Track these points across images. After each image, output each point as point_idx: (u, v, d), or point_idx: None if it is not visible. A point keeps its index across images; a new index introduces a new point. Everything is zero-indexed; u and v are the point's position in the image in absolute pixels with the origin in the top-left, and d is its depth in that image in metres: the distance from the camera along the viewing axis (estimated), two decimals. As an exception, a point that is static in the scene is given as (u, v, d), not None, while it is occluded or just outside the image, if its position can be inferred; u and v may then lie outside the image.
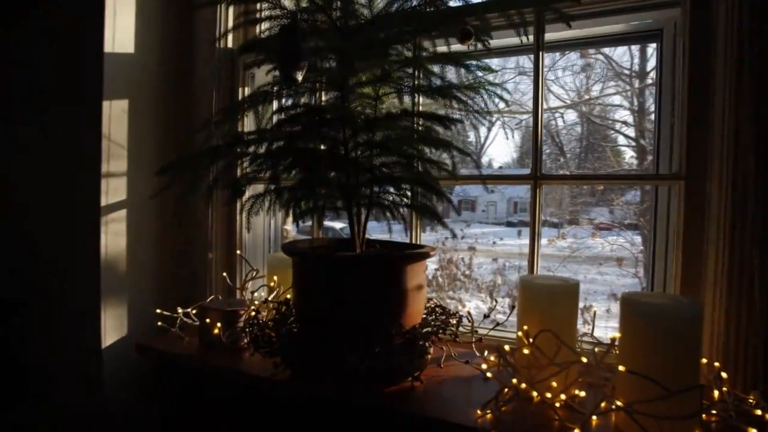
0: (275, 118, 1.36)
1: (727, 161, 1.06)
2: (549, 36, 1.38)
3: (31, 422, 1.62)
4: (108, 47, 1.50)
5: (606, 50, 3.93)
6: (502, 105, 1.20)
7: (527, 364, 1.03)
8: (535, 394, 1.01)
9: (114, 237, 1.54)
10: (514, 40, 1.44)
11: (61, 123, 1.56)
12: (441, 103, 1.25)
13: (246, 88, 1.75)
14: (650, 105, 4.20)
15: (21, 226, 1.65)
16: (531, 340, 1.03)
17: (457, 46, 1.23)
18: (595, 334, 1.21)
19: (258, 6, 1.60)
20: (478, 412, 0.98)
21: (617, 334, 1.01)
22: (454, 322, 1.27)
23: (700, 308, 0.93)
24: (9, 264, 1.66)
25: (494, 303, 1.31)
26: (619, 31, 1.40)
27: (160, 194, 1.26)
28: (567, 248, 4.08)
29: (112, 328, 1.54)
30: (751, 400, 0.98)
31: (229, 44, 1.73)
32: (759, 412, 0.92)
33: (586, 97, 4.25)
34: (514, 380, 1.03)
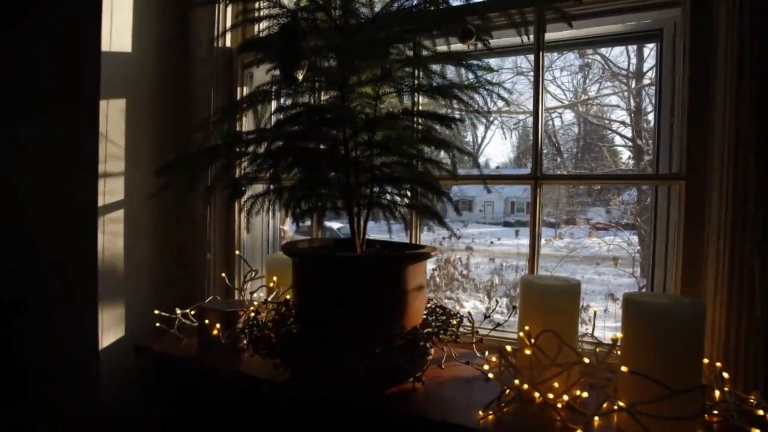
0: (274, 118, 1.35)
1: (728, 161, 1.06)
2: (549, 36, 1.38)
3: (31, 422, 1.61)
4: (105, 46, 1.48)
5: (603, 51, 3.94)
6: (502, 104, 1.19)
7: (529, 364, 1.03)
8: (537, 395, 1.01)
9: (111, 237, 1.53)
10: (513, 40, 1.44)
11: (61, 123, 1.55)
12: (441, 102, 1.24)
13: (244, 88, 1.74)
14: (647, 105, 4.22)
15: (21, 226, 1.64)
16: (533, 340, 1.03)
17: (456, 46, 1.23)
18: (595, 333, 1.21)
19: (256, 5, 1.59)
20: (480, 413, 0.97)
21: (619, 335, 1.01)
22: (455, 322, 1.26)
23: (702, 308, 0.93)
24: (9, 264, 1.65)
25: (495, 303, 1.31)
26: (618, 31, 1.40)
27: (159, 194, 1.25)
28: (564, 248, 4.10)
29: (110, 328, 1.53)
30: (752, 400, 0.98)
31: (227, 43, 1.72)
32: (761, 412, 0.92)
33: (584, 97, 4.26)
34: (516, 381, 1.02)
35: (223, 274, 1.66)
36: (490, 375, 1.12)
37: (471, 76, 1.18)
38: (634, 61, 4.06)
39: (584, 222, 4.44)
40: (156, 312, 1.49)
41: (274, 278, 1.46)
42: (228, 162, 1.31)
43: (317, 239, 1.57)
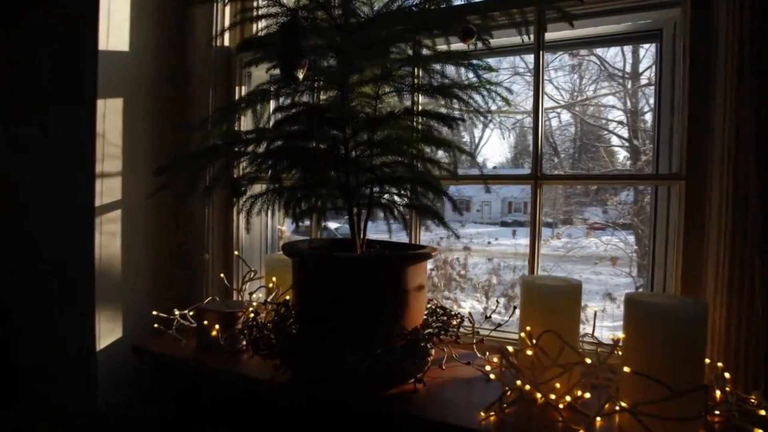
0: (274, 118, 1.34)
1: (728, 161, 1.06)
2: (548, 36, 1.38)
3: (31, 422, 1.59)
4: (102, 45, 1.47)
5: (599, 51, 3.95)
6: (502, 104, 1.19)
7: (530, 365, 1.02)
8: (539, 395, 1.01)
9: (109, 237, 1.52)
10: (511, 40, 1.44)
11: (61, 123, 1.54)
12: (440, 102, 1.24)
13: (243, 87, 1.73)
14: (643, 106, 4.22)
15: (21, 226, 1.63)
16: (534, 341, 1.03)
17: (456, 45, 1.22)
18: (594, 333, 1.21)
19: (255, 3, 1.58)
20: (482, 414, 0.97)
21: (621, 335, 1.01)
22: (455, 323, 1.26)
23: (705, 308, 0.93)
24: (9, 264, 1.64)
25: (496, 304, 1.31)
26: (618, 31, 1.40)
27: (157, 194, 1.24)
28: (562, 248, 4.10)
29: (108, 329, 1.52)
30: (752, 400, 0.98)
31: (226, 43, 1.71)
32: (763, 412, 0.92)
33: (581, 97, 4.27)
34: (519, 382, 1.02)
35: (222, 275, 1.65)
36: (492, 376, 1.12)
37: (471, 75, 1.17)
38: (630, 61, 4.07)
39: (581, 222, 4.44)
40: (154, 313, 1.47)
41: (274, 279, 1.45)
42: (227, 162, 1.30)
43: (316, 239, 1.56)
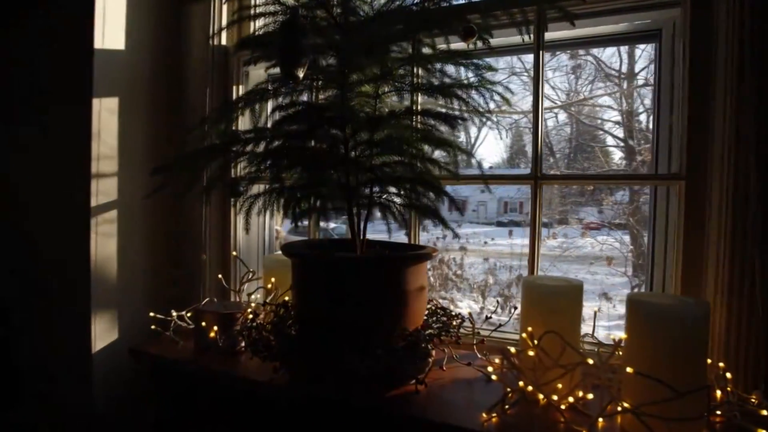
0: (272, 117, 1.33)
1: (728, 161, 1.06)
2: (547, 36, 1.38)
3: (31, 422, 1.58)
4: (98, 43, 1.45)
5: (595, 51, 3.97)
6: (502, 104, 1.19)
7: (532, 366, 1.02)
8: (541, 396, 1.00)
9: (105, 238, 1.50)
10: (509, 40, 1.44)
11: (61, 123, 1.52)
12: (440, 102, 1.23)
13: (240, 87, 1.72)
14: (638, 106, 4.24)
15: (21, 226, 1.61)
16: (536, 341, 1.02)
17: (456, 45, 1.22)
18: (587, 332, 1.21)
19: (253, 2, 1.57)
20: (484, 415, 0.96)
21: (623, 335, 1.00)
22: (456, 324, 1.25)
23: (707, 308, 0.93)
24: (9, 264, 1.62)
25: (496, 304, 1.30)
26: (617, 31, 1.40)
27: (154, 194, 1.22)
28: (557, 248, 4.12)
29: (104, 330, 1.50)
30: (753, 400, 0.99)
31: (223, 41, 1.69)
32: (765, 412, 0.92)
33: (577, 97, 4.28)
34: (521, 383, 1.02)
35: (220, 276, 1.64)
36: (494, 377, 1.12)
37: (471, 74, 1.17)
38: (626, 62, 4.09)
39: (577, 222, 4.46)
40: (151, 314, 1.46)
41: (273, 279, 1.44)
42: (225, 162, 1.29)
43: (315, 239, 1.55)
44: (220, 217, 1.72)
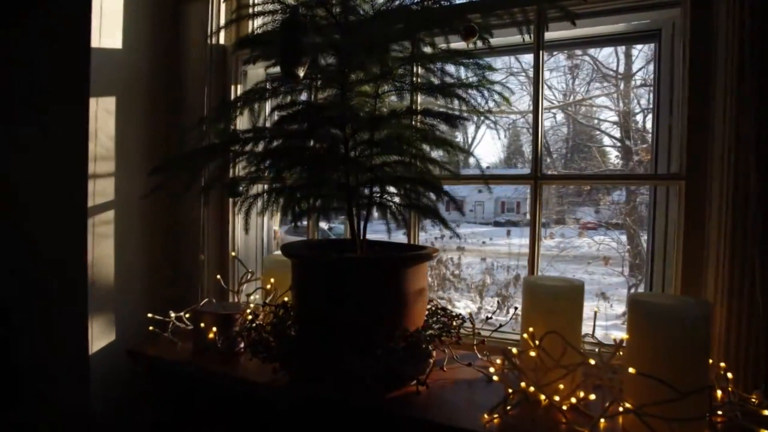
0: (270, 117, 1.33)
1: (728, 161, 1.06)
2: (546, 36, 1.37)
3: (31, 422, 1.57)
4: (95, 42, 1.44)
5: (592, 52, 3.98)
6: (503, 103, 1.18)
7: (533, 366, 1.02)
8: (542, 397, 1.00)
9: (102, 238, 1.49)
10: (507, 39, 1.43)
11: (61, 123, 1.51)
12: (440, 101, 1.23)
13: (239, 86, 1.71)
14: (635, 106, 4.25)
15: (21, 226, 1.60)
16: (537, 342, 1.02)
17: (454, 44, 1.21)
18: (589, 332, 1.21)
19: (251, 0, 1.56)
20: (486, 416, 0.96)
21: (623, 335, 1.00)
22: (456, 324, 1.25)
23: (709, 309, 0.93)
24: (9, 264, 1.60)
25: (497, 305, 1.30)
26: (616, 31, 1.40)
27: (152, 195, 1.21)
28: (555, 248, 4.12)
29: (102, 331, 1.49)
30: (753, 400, 0.99)
31: (221, 41, 1.68)
32: (766, 412, 0.92)
33: (574, 97, 4.29)
34: (523, 384, 1.01)
35: (218, 276, 1.63)
36: (495, 377, 1.11)
37: (470, 74, 1.17)
38: (623, 62, 4.10)
39: (574, 222, 4.47)
40: (149, 315, 1.45)
41: (272, 280, 1.43)
42: (224, 162, 1.28)
43: (314, 240, 1.55)
44: (218, 218, 1.71)
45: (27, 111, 1.58)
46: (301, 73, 0.98)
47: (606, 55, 4.22)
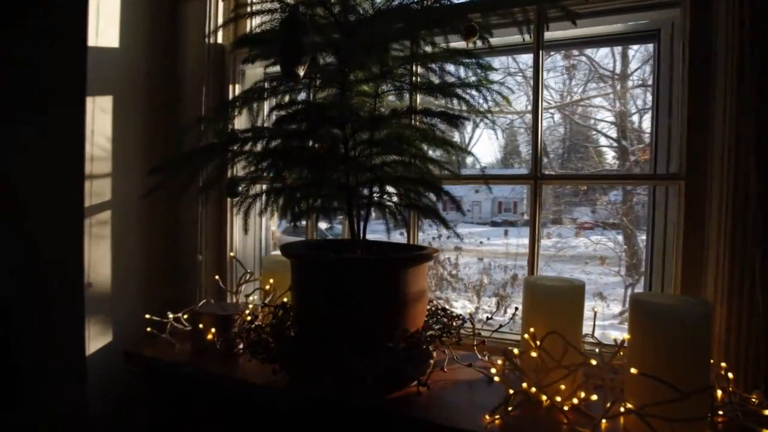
0: (269, 116, 1.32)
1: (728, 161, 1.06)
2: (545, 35, 1.37)
3: (31, 422, 1.56)
4: (91, 41, 1.43)
5: (589, 52, 3.98)
6: (503, 103, 1.18)
7: (535, 367, 1.01)
8: (544, 398, 1.00)
9: (99, 239, 1.48)
10: (505, 39, 1.43)
11: (62, 123, 1.49)
12: (438, 101, 1.23)
13: (237, 86, 1.70)
14: (631, 107, 4.26)
15: (21, 226, 1.58)
16: (538, 342, 1.02)
17: (453, 44, 1.21)
18: (586, 332, 1.20)
19: None
20: (487, 417, 0.96)
21: (624, 335, 1.00)
22: (457, 324, 1.25)
23: (711, 309, 0.93)
24: (9, 264, 1.59)
25: (496, 305, 1.30)
26: (615, 32, 1.40)
27: (150, 195, 1.20)
28: (552, 248, 4.13)
29: (99, 332, 1.48)
30: (753, 400, 0.99)
31: (219, 40, 1.67)
32: (767, 412, 0.92)
33: (570, 98, 4.30)
34: (524, 384, 1.01)
35: (217, 276, 1.62)
36: (496, 378, 1.11)
37: (470, 74, 1.16)
38: (619, 62, 4.11)
39: (570, 222, 4.47)
40: (147, 316, 1.44)
41: (271, 280, 1.42)
42: (223, 162, 1.27)
43: (312, 240, 1.54)
44: (216, 218, 1.70)
45: (27, 111, 1.57)
46: (302, 73, 0.97)
47: (602, 55, 4.22)
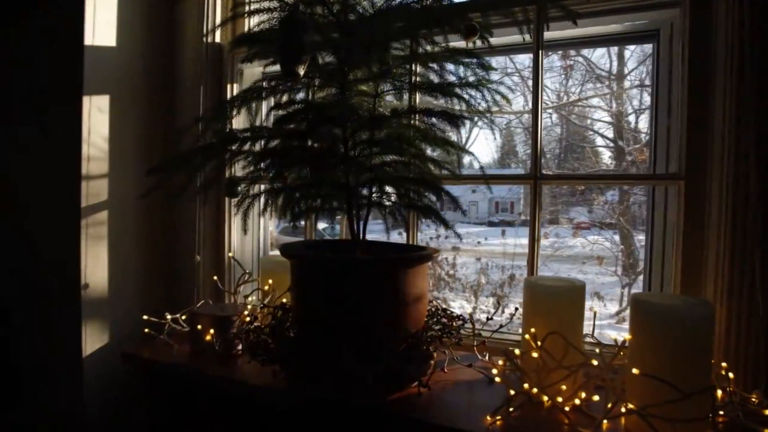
0: (271, 116, 1.31)
1: (728, 161, 1.06)
2: (544, 35, 1.37)
3: (31, 422, 1.55)
4: (88, 40, 1.42)
5: (585, 52, 3.99)
6: (503, 103, 1.18)
7: (536, 367, 1.01)
8: (545, 398, 1.00)
9: (96, 239, 1.47)
10: (502, 39, 1.42)
11: (62, 123, 1.48)
12: (440, 100, 1.22)
13: (235, 85, 1.69)
14: (627, 107, 4.28)
15: (21, 226, 1.57)
16: (539, 342, 1.02)
17: (453, 43, 1.21)
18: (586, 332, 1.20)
19: (248, -2, 1.54)
20: (488, 418, 0.95)
21: (624, 335, 1.00)
22: (457, 325, 1.24)
23: (712, 309, 0.93)
24: (9, 264, 1.58)
25: (496, 305, 1.29)
26: (614, 32, 1.40)
27: (149, 195, 1.19)
28: (549, 247, 4.14)
29: (96, 333, 1.46)
30: (753, 399, 0.99)
31: (217, 39, 1.66)
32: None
33: (567, 99, 4.31)
34: (526, 385, 1.01)
35: (215, 277, 1.61)
36: (497, 379, 1.11)
37: (469, 73, 1.16)
38: (615, 63, 4.13)
39: (567, 221, 4.49)
40: (145, 317, 1.43)
41: (270, 281, 1.42)
42: (222, 162, 1.26)
43: (311, 240, 1.53)
44: (214, 218, 1.69)
45: (27, 111, 1.55)
46: (302, 72, 0.96)
47: (599, 55, 4.23)
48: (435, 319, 1.25)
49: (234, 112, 1.25)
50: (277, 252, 1.31)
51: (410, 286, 1.11)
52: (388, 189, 1.25)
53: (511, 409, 0.97)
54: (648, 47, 3.44)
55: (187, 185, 1.19)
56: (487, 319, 1.32)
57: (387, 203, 1.22)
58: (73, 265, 1.42)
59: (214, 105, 1.60)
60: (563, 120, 4.41)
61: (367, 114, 1.16)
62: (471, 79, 1.15)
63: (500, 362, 1.12)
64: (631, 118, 4.20)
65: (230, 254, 1.67)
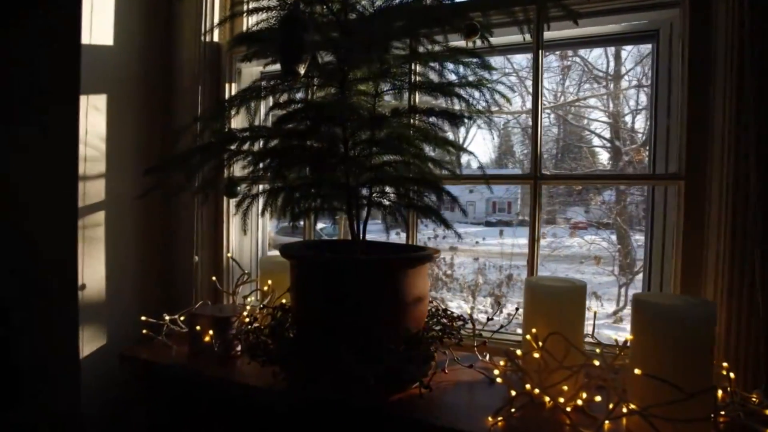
0: (270, 115, 1.30)
1: (728, 161, 1.07)
2: (544, 35, 1.37)
3: (30, 422, 1.54)
4: (86, 39, 1.41)
5: (582, 53, 4.00)
6: (503, 103, 1.18)
7: (537, 368, 1.01)
8: (547, 399, 0.99)
9: (93, 239, 1.45)
10: (500, 40, 1.42)
11: (62, 123, 1.47)
12: (440, 100, 1.22)
13: (233, 85, 1.68)
14: (624, 107, 4.29)
15: (21, 226, 1.56)
16: (540, 343, 1.01)
17: (453, 43, 1.20)
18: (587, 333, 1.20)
19: (248, -3, 1.53)
20: (490, 419, 0.95)
21: (625, 335, 1.00)
22: (457, 325, 1.24)
23: (713, 309, 0.93)
24: (9, 264, 1.57)
25: (496, 306, 1.29)
26: (614, 32, 1.40)
27: (147, 195, 1.18)
28: (546, 247, 4.15)
29: (93, 334, 1.45)
30: (754, 399, 0.99)
31: (215, 38, 1.65)
32: (769, 412, 0.92)
33: (564, 99, 4.31)
34: (527, 386, 1.00)
35: (214, 278, 1.60)
36: (498, 379, 1.10)
37: (468, 73, 1.16)
38: (612, 63, 4.14)
39: (564, 221, 4.50)
40: (143, 318, 1.41)
41: (269, 281, 1.41)
42: (220, 161, 1.25)
43: (310, 240, 1.53)
44: (212, 218, 1.68)
45: (27, 111, 1.54)
46: (302, 71, 0.96)
47: (596, 56, 4.23)
48: (435, 320, 1.25)
49: (233, 112, 1.24)
50: (275, 252, 1.30)
51: (410, 286, 1.10)
52: (388, 189, 1.25)
53: (512, 410, 0.97)
54: (645, 48, 3.45)
55: (185, 185, 1.18)
56: (488, 319, 1.31)
57: (387, 203, 1.22)
58: (73, 266, 1.40)
59: (212, 104, 1.59)
60: (560, 120, 4.41)
61: (367, 114, 1.15)
62: (471, 78, 1.15)
63: (501, 363, 1.11)
64: (628, 119, 4.22)
65: (229, 255, 1.67)
